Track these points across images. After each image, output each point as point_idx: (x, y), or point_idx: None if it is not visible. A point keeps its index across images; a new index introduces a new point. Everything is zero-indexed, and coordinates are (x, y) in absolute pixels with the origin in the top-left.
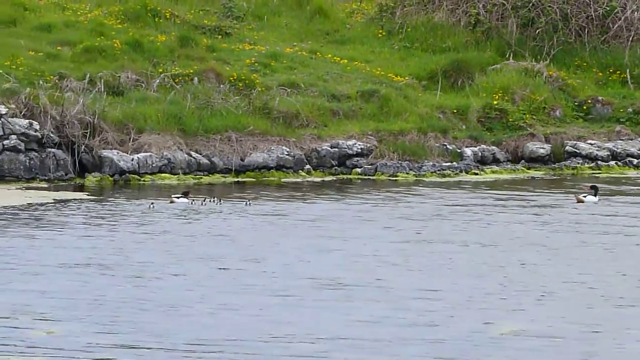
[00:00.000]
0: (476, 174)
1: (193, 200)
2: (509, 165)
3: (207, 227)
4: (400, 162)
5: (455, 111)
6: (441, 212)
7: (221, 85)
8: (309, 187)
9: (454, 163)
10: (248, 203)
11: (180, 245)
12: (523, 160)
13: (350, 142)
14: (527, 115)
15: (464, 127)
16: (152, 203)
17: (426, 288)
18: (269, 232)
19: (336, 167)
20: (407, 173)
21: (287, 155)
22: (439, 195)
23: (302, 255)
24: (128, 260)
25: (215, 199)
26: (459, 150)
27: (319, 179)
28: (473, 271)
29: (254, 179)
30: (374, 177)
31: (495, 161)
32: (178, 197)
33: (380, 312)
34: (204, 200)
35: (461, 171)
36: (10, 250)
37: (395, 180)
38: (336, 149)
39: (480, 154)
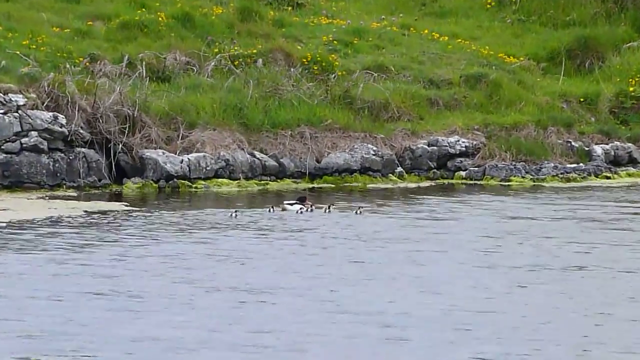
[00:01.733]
0: (608, 177)
1: (304, 207)
2: None
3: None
4: (514, 163)
5: (582, 100)
6: (588, 227)
7: (292, 69)
8: (408, 194)
9: (581, 164)
10: (359, 211)
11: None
12: None
13: (452, 139)
14: None
15: (592, 119)
16: (235, 211)
17: None
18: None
19: (435, 170)
20: (523, 177)
21: (373, 155)
22: (567, 204)
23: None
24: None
25: (329, 206)
26: (586, 149)
27: (413, 185)
28: None
29: (332, 185)
30: (481, 182)
31: (632, 162)
32: (291, 204)
33: None
34: (328, 208)
35: (589, 174)
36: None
37: (508, 185)
38: (435, 148)
39: (613, 152)
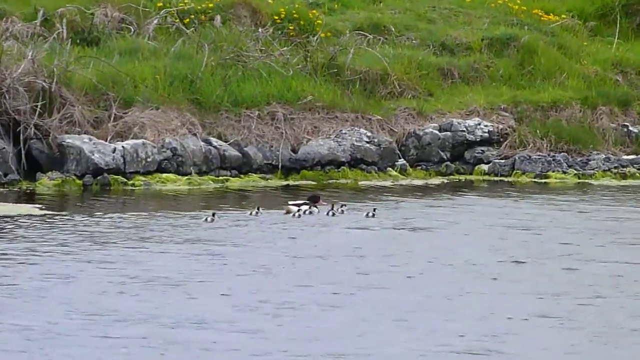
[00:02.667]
0: None
1: (314, 209)
2: None
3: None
4: (553, 153)
5: None
6: None
7: (260, 29)
8: (411, 194)
9: None
10: (371, 214)
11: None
12: None
13: (471, 122)
14: None
15: None
16: (213, 214)
17: None
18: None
19: (448, 163)
20: (565, 172)
21: (367, 143)
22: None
23: None
24: None
25: (342, 206)
26: None
27: (419, 182)
28: None
29: (313, 182)
30: (509, 178)
31: None
32: (299, 205)
33: None
34: (341, 207)
35: None
36: None
37: (545, 182)
38: (448, 134)
39: None
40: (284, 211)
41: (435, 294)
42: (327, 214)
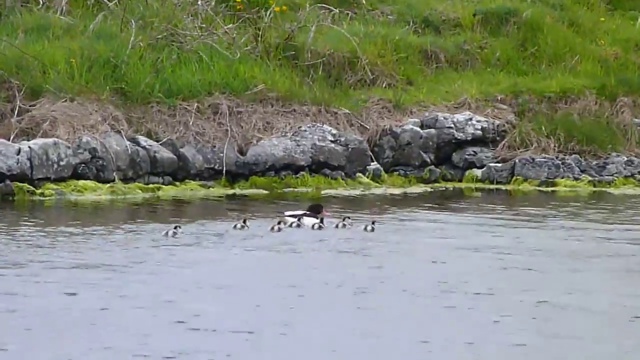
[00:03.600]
0: None
1: (317, 222)
2: None
3: None
4: (562, 155)
5: None
6: None
7: (199, 2)
8: (383, 207)
9: None
10: (369, 228)
11: None
12: None
13: (460, 117)
14: None
15: None
16: (176, 226)
17: None
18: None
19: (432, 167)
20: (577, 178)
21: (332, 142)
22: None
23: None
24: None
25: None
26: None
27: (396, 190)
28: None
29: (265, 190)
30: (508, 186)
31: None
32: (298, 217)
33: None
34: (343, 221)
35: None
36: None
37: (553, 191)
38: (432, 131)
39: None
40: (275, 223)
41: None
42: (337, 226)
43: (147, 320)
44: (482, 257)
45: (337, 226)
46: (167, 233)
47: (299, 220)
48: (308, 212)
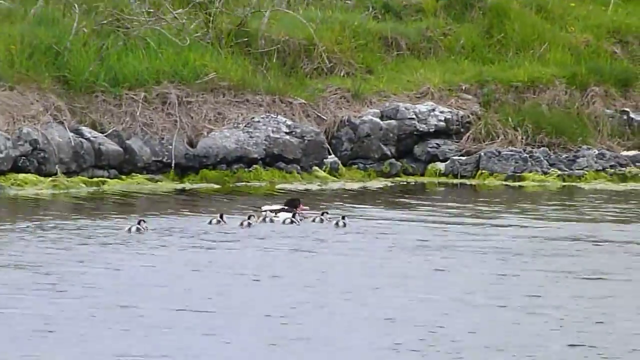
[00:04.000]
0: None
1: (300, 216)
2: None
3: None
4: (530, 148)
5: None
6: None
7: None
8: (340, 202)
9: None
10: (341, 222)
11: None
12: None
13: (422, 108)
14: None
15: None
16: (140, 221)
17: None
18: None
19: (393, 160)
20: (546, 172)
21: (287, 134)
22: None
23: None
24: None
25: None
26: None
27: (355, 185)
28: None
29: (216, 184)
30: (473, 181)
31: None
32: (275, 211)
33: None
34: (321, 215)
35: None
36: None
37: (520, 186)
38: (393, 122)
39: None
40: (256, 219)
41: None
42: (313, 220)
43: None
44: (417, 259)
45: (313, 220)
46: (129, 229)
47: (275, 214)
48: (286, 207)
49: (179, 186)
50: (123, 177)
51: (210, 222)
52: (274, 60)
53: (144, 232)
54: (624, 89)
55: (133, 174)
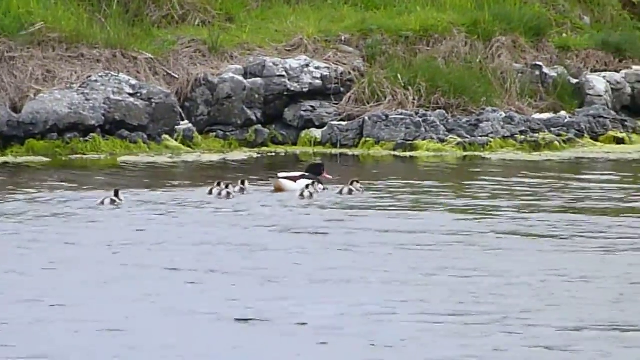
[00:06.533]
0: (620, 140)
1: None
2: None
3: None
4: (423, 111)
5: None
6: None
7: None
8: (193, 179)
9: (562, 114)
10: (239, 187)
11: None
12: None
13: (294, 63)
14: None
15: (586, 19)
16: (116, 192)
17: None
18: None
19: (259, 127)
20: (443, 140)
21: (131, 97)
22: None
23: None
24: None
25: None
26: (574, 81)
27: (214, 156)
28: None
29: (45, 158)
30: (356, 151)
31: None
32: (295, 179)
33: None
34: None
35: (580, 134)
36: None
37: (412, 157)
38: (258, 80)
39: (629, 89)
40: (273, 188)
41: None
42: (341, 192)
43: None
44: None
45: (340, 192)
46: (103, 202)
47: (295, 182)
48: (307, 174)
49: (0, 160)
50: None
51: (102, 203)
52: (114, 7)
53: (121, 204)
54: (535, 39)
55: None
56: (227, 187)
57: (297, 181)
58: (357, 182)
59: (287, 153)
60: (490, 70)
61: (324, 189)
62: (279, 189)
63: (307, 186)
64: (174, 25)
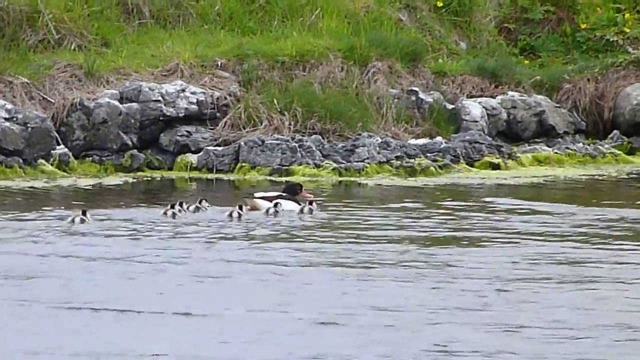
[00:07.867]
0: (495, 166)
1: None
2: (581, 143)
3: None
4: (299, 136)
5: (440, 5)
6: None
7: None
8: (65, 202)
9: (438, 139)
10: (307, 209)
11: None
12: (616, 132)
13: (170, 88)
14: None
15: (463, 45)
16: (83, 212)
17: None
18: None
19: (135, 152)
20: (319, 165)
21: (6, 121)
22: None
23: None
24: None
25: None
26: (450, 107)
27: (89, 182)
28: None
29: None
30: (232, 176)
31: (546, 133)
32: (270, 199)
33: None
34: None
35: (455, 160)
36: None
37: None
38: (134, 105)
39: (505, 114)
40: (249, 207)
41: None
42: (302, 211)
43: None
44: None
45: (302, 211)
46: (73, 220)
47: (275, 204)
48: (284, 194)
49: None
50: None
51: (72, 221)
52: None
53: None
54: (411, 64)
55: None
56: (172, 207)
57: (273, 201)
58: (312, 202)
59: (162, 178)
60: (366, 95)
61: (309, 210)
62: (254, 209)
63: (275, 204)
64: (50, 50)
